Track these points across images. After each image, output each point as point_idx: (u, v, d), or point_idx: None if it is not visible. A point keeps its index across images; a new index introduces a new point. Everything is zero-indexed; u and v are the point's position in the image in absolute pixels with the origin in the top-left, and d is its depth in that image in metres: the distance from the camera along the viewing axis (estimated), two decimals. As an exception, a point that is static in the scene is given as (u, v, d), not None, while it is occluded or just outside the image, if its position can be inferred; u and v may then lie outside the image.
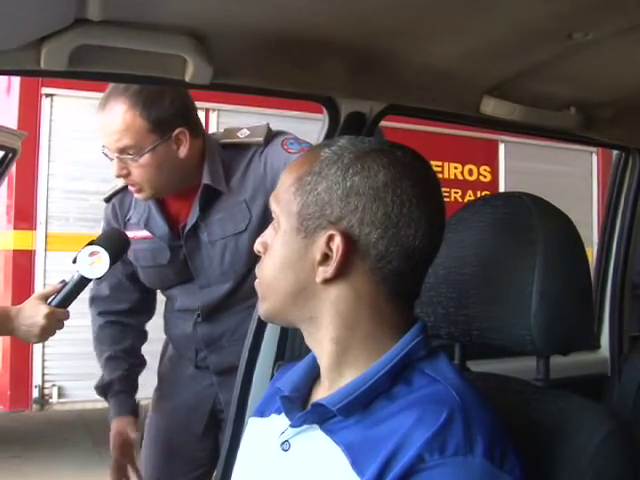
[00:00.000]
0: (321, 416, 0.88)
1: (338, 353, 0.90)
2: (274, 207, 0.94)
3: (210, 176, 1.69)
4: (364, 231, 0.86)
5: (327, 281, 0.88)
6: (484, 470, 0.79)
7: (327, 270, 0.87)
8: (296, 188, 0.90)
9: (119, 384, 1.87)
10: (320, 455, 0.87)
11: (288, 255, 0.91)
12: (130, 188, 1.70)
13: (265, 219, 1.68)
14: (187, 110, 1.68)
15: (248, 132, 1.75)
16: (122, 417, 1.86)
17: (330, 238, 0.87)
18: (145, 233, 1.76)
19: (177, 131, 1.64)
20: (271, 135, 1.73)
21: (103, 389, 1.89)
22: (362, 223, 0.86)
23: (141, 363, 1.93)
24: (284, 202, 0.92)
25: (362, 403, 0.86)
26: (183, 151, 1.67)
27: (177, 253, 1.76)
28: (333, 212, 0.87)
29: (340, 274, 0.87)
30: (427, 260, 0.92)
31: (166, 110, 1.62)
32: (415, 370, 0.88)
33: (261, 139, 1.71)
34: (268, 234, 0.95)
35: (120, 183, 1.82)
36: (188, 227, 1.72)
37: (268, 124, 1.76)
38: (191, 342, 1.84)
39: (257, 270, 0.97)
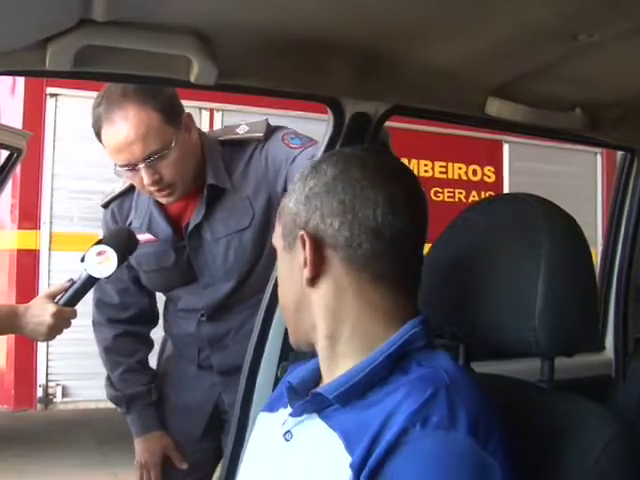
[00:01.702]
0: (319, 405, 0.90)
1: (329, 346, 0.94)
2: (273, 241, 1.02)
3: (213, 175, 1.68)
4: (327, 223, 0.92)
5: (312, 281, 0.93)
6: (467, 446, 0.80)
7: (307, 270, 0.93)
8: (279, 213, 1.00)
9: (144, 398, 1.85)
10: (319, 443, 0.89)
11: (283, 273, 1.00)
12: (158, 195, 1.65)
13: (269, 215, 1.67)
14: (177, 96, 1.66)
15: (247, 128, 1.73)
16: (154, 433, 1.84)
17: (303, 241, 0.93)
18: (147, 237, 1.74)
19: (184, 116, 1.64)
20: (270, 130, 1.72)
21: (126, 401, 1.86)
22: (323, 217, 0.92)
23: (155, 374, 1.91)
24: (275, 232, 1.01)
25: (359, 391, 0.88)
26: (194, 135, 1.68)
27: (181, 254, 1.75)
28: (301, 219, 0.95)
29: (319, 270, 0.93)
30: (402, 238, 0.93)
31: (167, 96, 1.60)
32: (412, 359, 0.89)
33: (261, 134, 1.70)
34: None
35: (117, 188, 1.80)
36: (191, 226, 1.71)
37: (267, 119, 1.74)
38: (194, 341, 1.83)
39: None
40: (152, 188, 1.62)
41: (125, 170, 1.61)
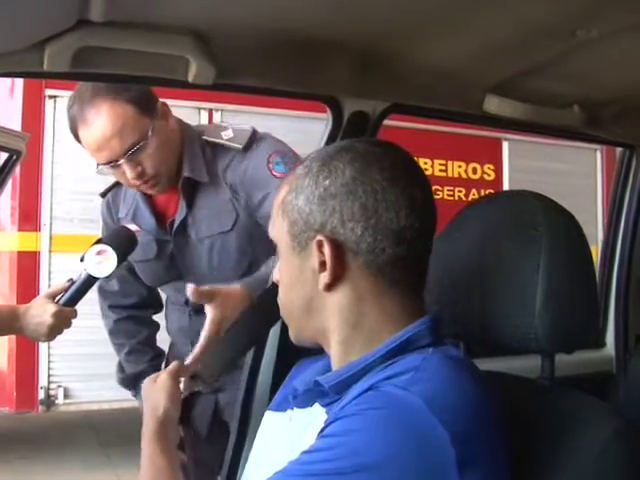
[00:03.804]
0: (320, 394, 0.92)
1: (343, 352, 0.92)
2: (270, 233, 0.99)
3: (189, 168, 1.67)
4: (348, 228, 0.89)
5: (329, 286, 0.90)
6: (415, 405, 0.78)
7: (326, 275, 0.90)
8: (282, 210, 0.95)
9: (148, 374, 1.86)
10: (315, 421, 0.89)
11: (291, 274, 0.95)
12: (144, 187, 1.65)
13: (252, 223, 1.66)
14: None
15: (232, 134, 1.70)
16: None
17: (320, 244, 0.89)
18: (134, 227, 1.73)
19: (158, 105, 1.63)
20: (251, 144, 1.67)
21: (131, 381, 1.90)
22: (343, 221, 0.89)
23: (161, 353, 1.95)
24: (277, 227, 0.96)
25: (352, 382, 0.88)
26: (172, 123, 1.67)
27: (164, 247, 1.74)
28: (316, 220, 0.90)
29: (339, 276, 0.90)
30: (422, 240, 0.92)
31: (139, 87, 1.58)
32: (412, 354, 0.88)
33: (240, 146, 1.66)
34: (279, 263, 0.99)
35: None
36: (177, 223, 1.70)
37: (253, 130, 1.70)
38: (187, 336, 1.82)
39: (278, 300, 1.01)
40: (136, 182, 1.62)
41: (108, 167, 1.61)
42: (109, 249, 1.48)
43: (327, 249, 0.89)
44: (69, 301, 1.50)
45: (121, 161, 1.58)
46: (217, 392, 1.81)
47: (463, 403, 0.81)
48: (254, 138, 1.68)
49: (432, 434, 0.77)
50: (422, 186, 0.93)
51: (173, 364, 1.16)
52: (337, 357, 0.93)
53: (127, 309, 1.92)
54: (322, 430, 0.83)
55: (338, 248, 0.89)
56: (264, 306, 1.26)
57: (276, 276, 1.01)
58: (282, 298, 0.99)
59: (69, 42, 1.02)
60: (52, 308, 1.48)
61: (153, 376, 1.15)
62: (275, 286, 1.02)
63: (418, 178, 0.94)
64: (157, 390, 1.11)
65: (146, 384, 1.14)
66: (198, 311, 1.77)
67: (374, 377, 0.85)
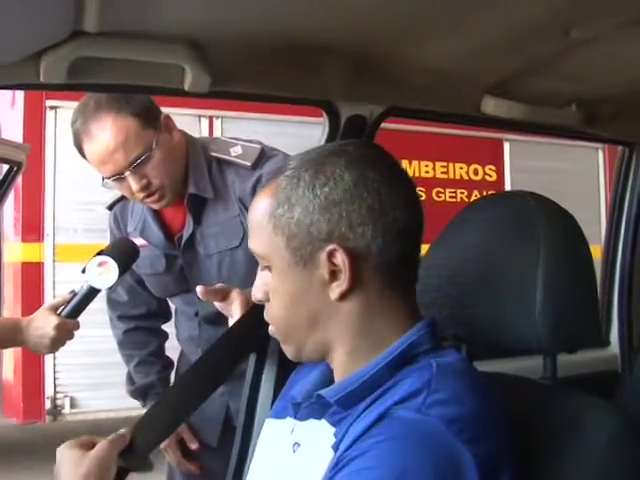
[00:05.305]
0: (324, 407, 0.89)
1: (348, 361, 0.91)
2: (257, 250, 0.94)
3: (194, 184, 1.67)
4: (358, 232, 0.87)
5: (343, 295, 0.88)
6: (434, 429, 0.77)
7: (341, 284, 0.87)
8: (273, 225, 0.90)
9: (157, 386, 1.88)
10: (324, 445, 0.87)
11: (294, 289, 0.90)
12: (149, 200, 1.65)
13: None
14: (152, 99, 1.65)
15: (240, 151, 1.70)
16: None
17: (330, 254, 0.87)
18: (141, 241, 1.74)
19: (162, 117, 1.63)
20: (261, 160, 1.67)
21: (140, 393, 1.90)
22: (352, 226, 0.87)
23: (170, 364, 1.95)
24: (267, 243, 0.91)
25: (359, 396, 0.86)
26: (176, 135, 1.67)
27: (173, 262, 1.75)
28: (321, 231, 0.87)
29: (354, 283, 0.87)
30: (417, 239, 0.92)
31: (142, 100, 1.59)
32: (419, 364, 0.87)
33: (248, 164, 1.67)
34: (264, 280, 0.95)
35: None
36: (185, 239, 1.71)
37: (261, 148, 1.70)
38: (197, 345, 1.83)
39: (267, 318, 0.96)
40: (141, 194, 1.62)
41: (113, 180, 1.61)
42: (110, 260, 1.48)
43: (341, 257, 0.86)
44: (71, 313, 1.50)
45: (126, 174, 1.58)
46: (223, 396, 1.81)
47: (482, 420, 0.81)
48: (263, 156, 1.68)
49: (454, 456, 0.77)
50: (410, 185, 0.94)
51: (115, 436, 1.07)
52: (342, 367, 0.92)
53: (136, 319, 1.92)
54: (337, 463, 0.81)
55: (351, 254, 0.87)
56: (210, 362, 1.26)
57: (259, 295, 0.96)
58: (280, 316, 0.94)
59: (65, 53, 1.02)
60: (54, 320, 1.48)
61: (85, 441, 1.05)
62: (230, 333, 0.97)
63: (406, 177, 0.94)
64: (92, 461, 1.03)
65: (75, 451, 1.03)
66: (208, 321, 1.78)
67: (385, 400, 0.83)
